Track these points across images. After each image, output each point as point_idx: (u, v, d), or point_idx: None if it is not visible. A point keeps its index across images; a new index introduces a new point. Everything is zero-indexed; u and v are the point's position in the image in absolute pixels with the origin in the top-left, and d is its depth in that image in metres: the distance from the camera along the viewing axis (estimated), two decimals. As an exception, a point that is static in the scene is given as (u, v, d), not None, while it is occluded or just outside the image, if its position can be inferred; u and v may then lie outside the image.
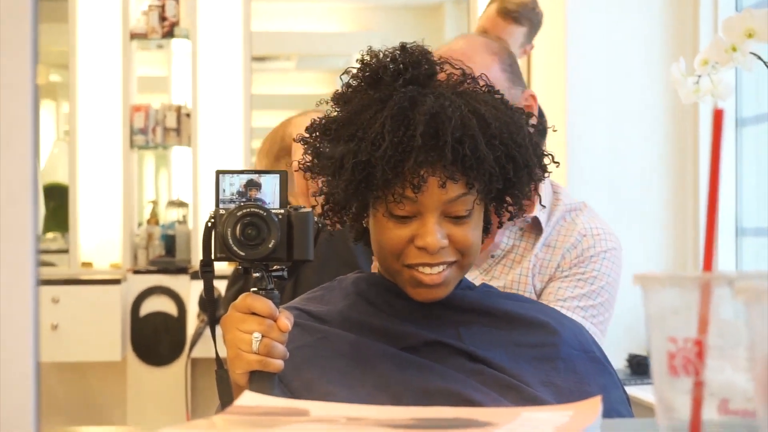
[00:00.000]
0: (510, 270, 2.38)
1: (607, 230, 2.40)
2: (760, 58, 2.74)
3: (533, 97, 2.42)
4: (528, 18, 4.36)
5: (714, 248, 0.97)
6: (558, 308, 2.17)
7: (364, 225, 1.84)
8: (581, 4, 4.89)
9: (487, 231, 1.88)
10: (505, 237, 2.41)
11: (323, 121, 1.80)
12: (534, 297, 2.32)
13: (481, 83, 1.83)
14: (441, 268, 1.74)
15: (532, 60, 5.70)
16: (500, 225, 1.96)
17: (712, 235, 0.98)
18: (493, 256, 2.40)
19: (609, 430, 1.19)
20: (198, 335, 5.41)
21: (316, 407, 1.26)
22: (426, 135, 1.68)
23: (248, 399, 1.28)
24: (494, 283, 2.30)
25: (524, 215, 2.35)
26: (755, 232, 4.50)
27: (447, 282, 1.77)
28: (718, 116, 0.92)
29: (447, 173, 1.69)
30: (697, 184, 4.70)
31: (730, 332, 0.96)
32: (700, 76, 2.80)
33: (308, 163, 1.82)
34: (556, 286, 2.34)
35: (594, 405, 1.20)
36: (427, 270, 1.74)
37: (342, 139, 1.74)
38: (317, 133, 1.80)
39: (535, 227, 2.40)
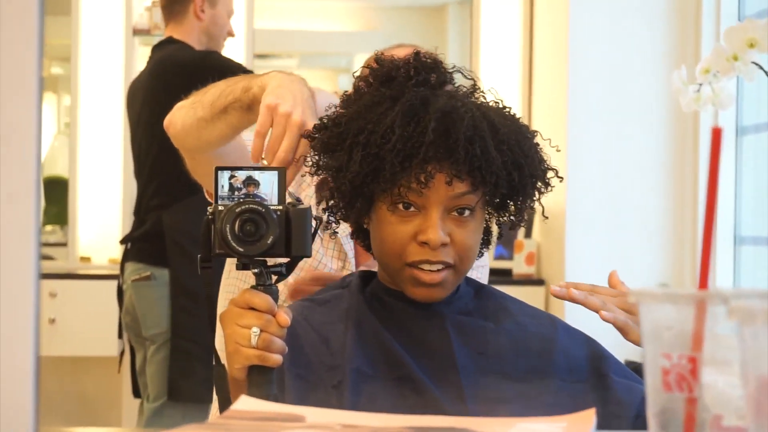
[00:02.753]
0: None
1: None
2: (761, 67, 2.75)
3: None
4: None
5: (710, 266, 0.98)
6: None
7: (365, 226, 1.86)
8: (583, 11, 4.89)
9: (487, 242, 1.90)
10: None
11: (333, 116, 1.82)
12: None
13: (490, 98, 1.85)
14: (440, 266, 1.76)
15: (533, 68, 5.71)
16: (500, 236, 1.97)
17: (708, 254, 0.99)
18: None
19: (602, 442, 1.20)
20: None
21: (312, 413, 1.26)
22: (437, 131, 1.71)
23: (245, 404, 1.29)
24: None
25: None
26: (754, 241, 4.50)
27: (445, 283, 1.79)
28: (716, 135, 0.93)
29: (454, 171, 1.72)
30: (697, 193, 4.70)
31: (725, 350, 0.96)
32: (701, 85, 2.80)
33: (316, 158, 1.83)
34: None
35: (588, 417, 1.21)
36: (427, 267, 1.76)
37: (351, 132, 1.76)
38: (326, 128, 1.81)
39: None
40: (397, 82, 1.79)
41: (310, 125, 1.87)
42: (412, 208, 1.76)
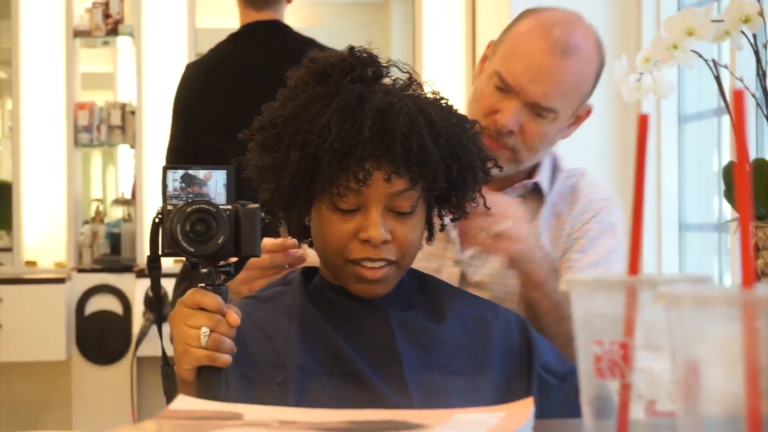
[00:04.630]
0: None
1: (610, 197, 2.36)
2: (700, 55, 2.76)
3: (589, 113, 2.36)
4: None
5: (639, 252, 0.98)
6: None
7: (306, 223, 1.86)
8: (525, 3, 4.90)
9: (430, 234, 1.90)
10: None
11: (270, 116, 1.81)
12: None
13: (427, 90, 1.85)
14: (382, 263, 1.76)
15: (477, 60, 5.71)
16: (442, 228, 1.96)
17: (638, 239, 0.99)
18: None
19: (539, 430, 1.20)
20: (143, 334, 5.38)
21: (250, 411, 1.26)
22: (373, 129, 1.71)
23: (181, 403, 1.28)
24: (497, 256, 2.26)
25: (525, 181, 2.32)
26: (698, 228, 4.53)
27: (387, 279, 1.80)
28: (643, 121, 0.93)
29: (392, 167, 1.72)
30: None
31: (657, 335, 0.97)
32: (642, 74, 2.82)
33: (255, 161, 1.83)
34: (579, 252, 2.28)
35: (526, 406, 1.21)
36: (369, 264, 1.76)
37: (288, 132, 1.76)
38: (264, 129, 1.81)
39: (536, 194, 2.34)
40: (333, 80, 1.79)
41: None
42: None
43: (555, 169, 2.39)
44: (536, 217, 2.31)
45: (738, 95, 0.77)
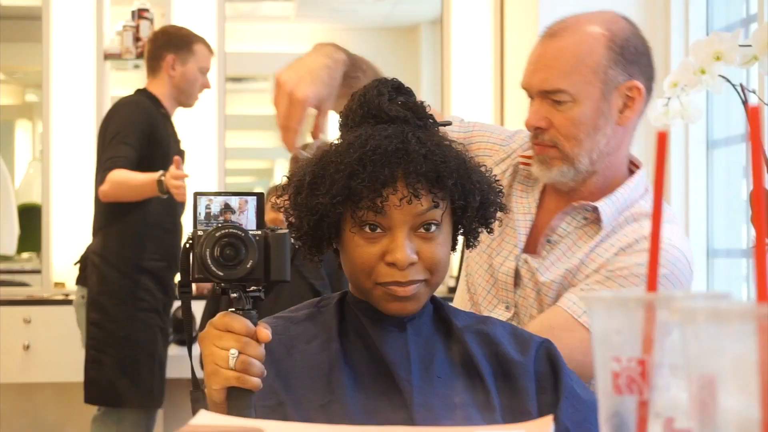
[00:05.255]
0: (566, 259, 2.29)
1: (676, 244, 2.23)
2: (728, 80, 2.76)
3: (638, 90, 2.29)
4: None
5: (657, 267, 0.98)
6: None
7: (336, 247, 1.87)
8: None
9: (452, 249, 1.91)
10: (565, 222, 2.32)
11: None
12: None
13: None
14: (412, 288, 1.77)
15: (505, 84, 5.72)
16: (471, 246, 1.97)
17: (656, 256, 0.99)
18: (549, 241, 2.33)
19: (559, 449, 1.20)
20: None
21: (271, 426, 1.26)
22: (394, 152, 1.72)
23: (203, 418, 1.28)
24: (551, 272, 2.28)
25: (585, 202, 2.29)
26: (726, 254, 4.52)
27: (418, 297, 1.80)
28: (661, 139, 0.93)
29: (412, 189, 1.72)
30: (670, 204, 4.72)
31: (675, 352, 0.97)
32: (669, 98, 2.82)
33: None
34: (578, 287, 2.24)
35: (545, 424, 1.21)
36: (398, 288, 1.76)
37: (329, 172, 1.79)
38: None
39: (597, 219, 2.30)
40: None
41: (299, 93, 2.13)
42: (378, 230, 1.77)
43: (633, 201, 2.33)
44: (588, 243, 2.28)
45: (754, 112, 0.77)
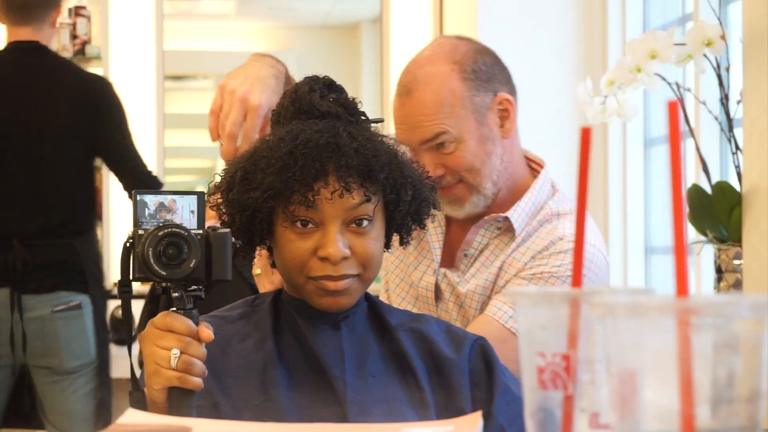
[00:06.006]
0: (485, 269, 2.34)
1: (591, 241, 2.30)
2: (664, 78, 2.79)
3: (508, 101, 2.34)
4: None
5: (582, 263, 0.99)
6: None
7: (268, 244, 1.86)
8: (491, 28, 4.92)
9: (387, 245, 1.91)
10: (479, 235, 2.36)
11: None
12: None
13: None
14: (344, 282, 1.77)
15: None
16: (404, 243, 1.97)
17: (581, 251, 1.00)
18: (466, 255, 2.37)
19: (488, 445, 1.20)
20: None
21: (200, 424, 1.26)
22: (324, 146, 1.72)
23: (130, 416, 1.27)
24: (471, 283, 2.32)
25: (495, 214, 2.33)
26: (664, 251, 4.55)
27: (350, 291, 1.80)
28: (585, 134, 0.94)
29: (345, 182, 1.73)
30: (606, 203, 4.74)
31: (599, 348, 0.97)
32: (606, 97, 2.84)
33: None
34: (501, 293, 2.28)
35: (474, 420, 1.21)
36: (330, 282, 1.76)
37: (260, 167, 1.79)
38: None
39: (510, 228, 2.35)
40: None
41: (253, 100, 2.18)
42: (310, 225, 1.77)
43: (541, 204, 2.38)
44: (504, 251, 2.33)
45: (672, 107, 0.77)
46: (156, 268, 1.58)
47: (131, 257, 1.63)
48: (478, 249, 2.36)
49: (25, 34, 4.30)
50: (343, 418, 1.70)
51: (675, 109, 0.78)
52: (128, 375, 1.69)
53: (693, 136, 2.94)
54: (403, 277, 2.45)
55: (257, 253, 1.92)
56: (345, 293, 1.79)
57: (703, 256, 3.39)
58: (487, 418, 1.75)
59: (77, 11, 5.99)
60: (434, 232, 2.42)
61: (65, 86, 4.27)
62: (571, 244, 2.19)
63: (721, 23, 2.69)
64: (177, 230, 1.59)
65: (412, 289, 2.42)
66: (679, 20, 4.38)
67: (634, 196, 4.62)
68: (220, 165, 1.98)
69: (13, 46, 4.32)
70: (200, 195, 1.65)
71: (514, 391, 1.84)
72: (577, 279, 0.99)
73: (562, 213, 2.36)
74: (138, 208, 1.62)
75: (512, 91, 2.37)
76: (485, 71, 2.33)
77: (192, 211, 1.63)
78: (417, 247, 2.43)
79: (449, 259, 2.40)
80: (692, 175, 3.53)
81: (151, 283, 1.79)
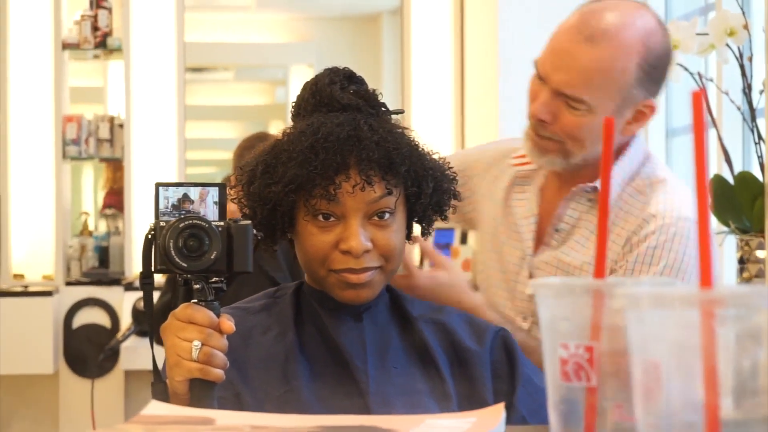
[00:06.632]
0: (591, 245, 2.23)
1: (678, 213, 2.17)
2: (686, 69, 2.77)
3: (651, 108, 2.20)
4: None
5: (605, 256, 0.98)
6: None
7: (290, 237, 1.87)
8: (513, 18, 4.91)
9: (407, 236, 1.91)
10: (570, 209, 2.27)
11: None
12: None
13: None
14: (366, 275, 1.77)
15: (465, 74, 5.72)
16: (426, 233, 1.96)
17: (604, 243, 0.99)
18: (557, 230, 2.28)
19: (510, 436, 1.20)
20: (118, 342, 5.35)
21: (222, 416, 1.26)
22: (346, 139, 1.72)
23: (154, 408, 1.28)
24: (569, 261, 2.24)
25: (583, 184, 2.24)
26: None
27: (372, 284, 1.80)
28: (697, 99, 0.89)
29: (365, 176, 1.73)
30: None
31: (623, 339, 0.97)
32: (628, 87, 2.83)
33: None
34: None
35: (497, 411, 1.21)
36: (353, 275, 1.76)
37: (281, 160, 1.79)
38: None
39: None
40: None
41: None
42: (331, 218, 1.77)
43: (634, 173, 2.26)
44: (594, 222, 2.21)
45: (696, 97, 0.77)
46: (177, 260, 1.58)
47: (153, 249, 1.63)
48: (570, 224, 2.27)
49: None
50: (365, 410, 1.70)
51: (699, 99, 0.78)
52: (150, 367, 1.69)
53: (715, 126, 2.93)
54: (493, 265, 2.41)
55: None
56: (367, 286, 1.79)
57: (726, 246, 3.37)
58: (509, 409, 1.74)
59: (99, 3, 6.00)
60: (525, 222, 2.33)
61: None
62: (669, 226, 2.14)
63: (743, 13, 2.68)
64: (198, 222, 1.59)
65: (505, 290, 2.37)
66: (701, 10, 4.37)
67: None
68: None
69: None
70: (222, 186, 1.65)
71: (536, 382, 1.84)
72: (600, 270, 0.99)
73: (655, 181, 2.24)
74: (159, 200, 1.62)
75: (658, 101, 2.26)
76: (659, 73, 2.21)
77: (215, 202, 1.63)
78: (508, 238, 2.35)
79: (540, 238, 2.31)
80: (714, 166, 3.51)
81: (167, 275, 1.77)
